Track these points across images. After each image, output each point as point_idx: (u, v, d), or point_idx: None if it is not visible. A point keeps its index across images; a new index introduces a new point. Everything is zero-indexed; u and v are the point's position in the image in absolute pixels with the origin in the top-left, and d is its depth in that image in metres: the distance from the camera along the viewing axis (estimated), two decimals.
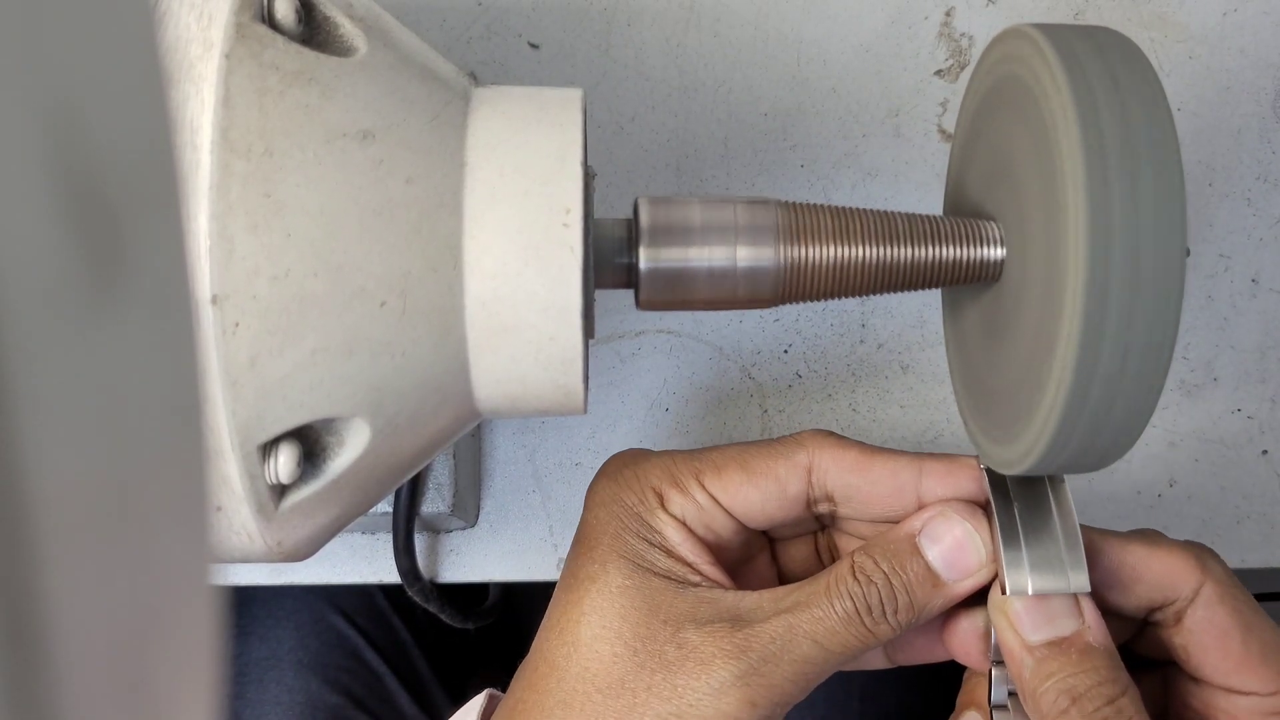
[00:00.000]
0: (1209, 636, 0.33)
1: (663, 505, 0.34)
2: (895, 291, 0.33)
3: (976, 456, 0.34)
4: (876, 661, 0.37)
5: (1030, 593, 0.32)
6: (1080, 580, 0.32)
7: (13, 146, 0.10)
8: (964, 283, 0.33)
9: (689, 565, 0.34)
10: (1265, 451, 0.49)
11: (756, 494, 0.34)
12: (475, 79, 0.32)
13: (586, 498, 0.36)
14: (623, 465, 0.35)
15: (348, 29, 0.29)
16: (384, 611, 0.63)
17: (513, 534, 0.49)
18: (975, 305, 0.35)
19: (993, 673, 0.34)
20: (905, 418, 0.49)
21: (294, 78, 0.27)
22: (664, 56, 0.49)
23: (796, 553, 0.38)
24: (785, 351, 0.49)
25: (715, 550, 0.35)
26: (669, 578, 0.33)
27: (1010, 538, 0.32)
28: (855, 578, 0.32)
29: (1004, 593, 0.32)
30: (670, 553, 0.34)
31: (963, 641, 0.34)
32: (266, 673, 0.59)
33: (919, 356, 0.49)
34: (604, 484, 0.35)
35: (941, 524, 0.33)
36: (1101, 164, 0.27)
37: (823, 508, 0.35)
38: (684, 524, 0.34)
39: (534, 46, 0.49)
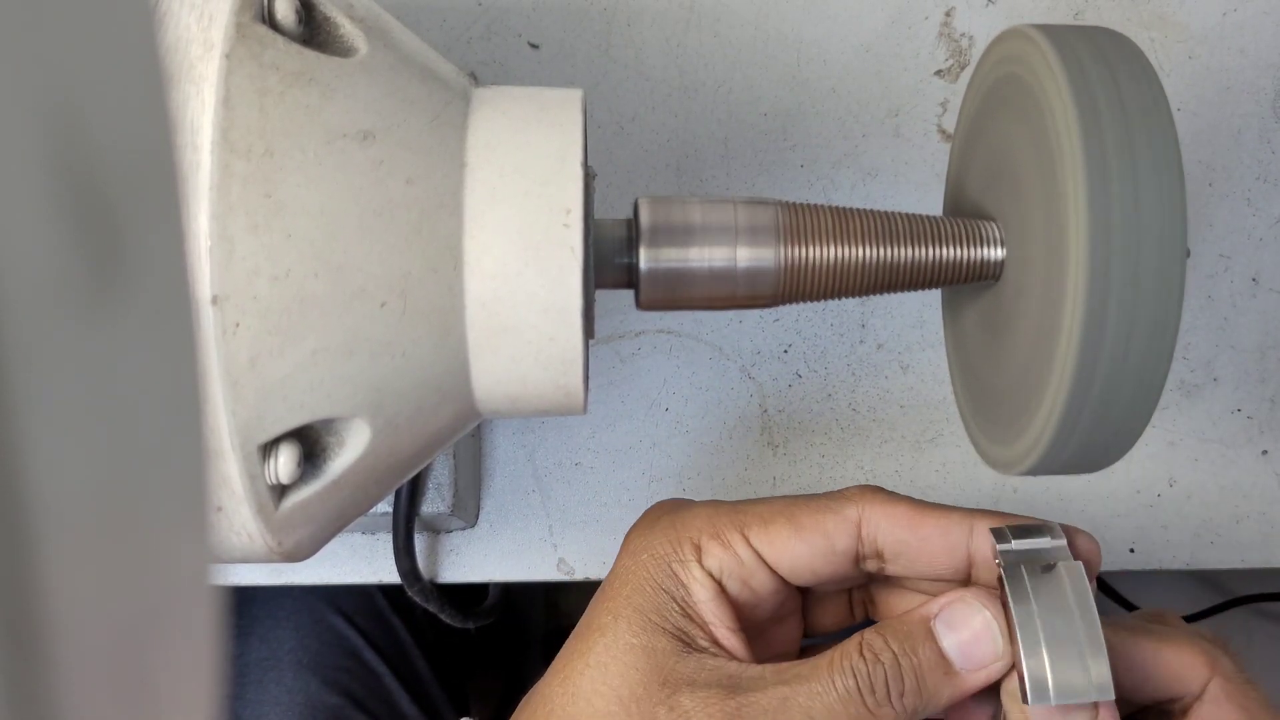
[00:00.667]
0: None
1: (698, 559, 0.33)
2: (895, 291, 0.33)
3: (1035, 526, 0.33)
4: None
5: (1053, 701, 0.30)
6: (1104, 686, 0.31)
7: (13, 146, 0.10)
8: (964, 283, 0.33)
9: (704, 627, 0.33)
10: (1265, 451, 0.49)
11: (805, 549, 0.33)
12: (475, 79, 0.32)
13: (623, 542, 0.35)
14: (663, 513, 0.35)
15: (348, 29, 0.29)
16: (383, 612, 0.63)
17: (512, 534, 0.49)
18: (975, 305, 0.35)
19: None
20: (905, 418, 0.49)
21: (294, 78, 0.27)
22: (664, 56, 0.49)
23: (830, 608, 0.38)
24: (785, 351, 0.49)
25: (747, 608, 0.34)
26: (679, 639, 0.33)
27: (1030, 636, 0.31)
28: (862, 655, 0.31)
29: (1024, 696, 0.31)
30: (688, 611, 0.33)
31: None
32: (266, 673, 0.59)
33: (919, 356, 0.49)
34: (641, 531, 0.35)
35: (961, 610, 0.32)
36: (1101, 164, 0.27)
37: (871, 565, 0.34)
38: (717, 580, 0.33)
39: (534, 46, 0.49)
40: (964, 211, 0.35)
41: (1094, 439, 0.29)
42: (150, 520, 0.12)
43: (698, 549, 0.33)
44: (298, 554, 0.30)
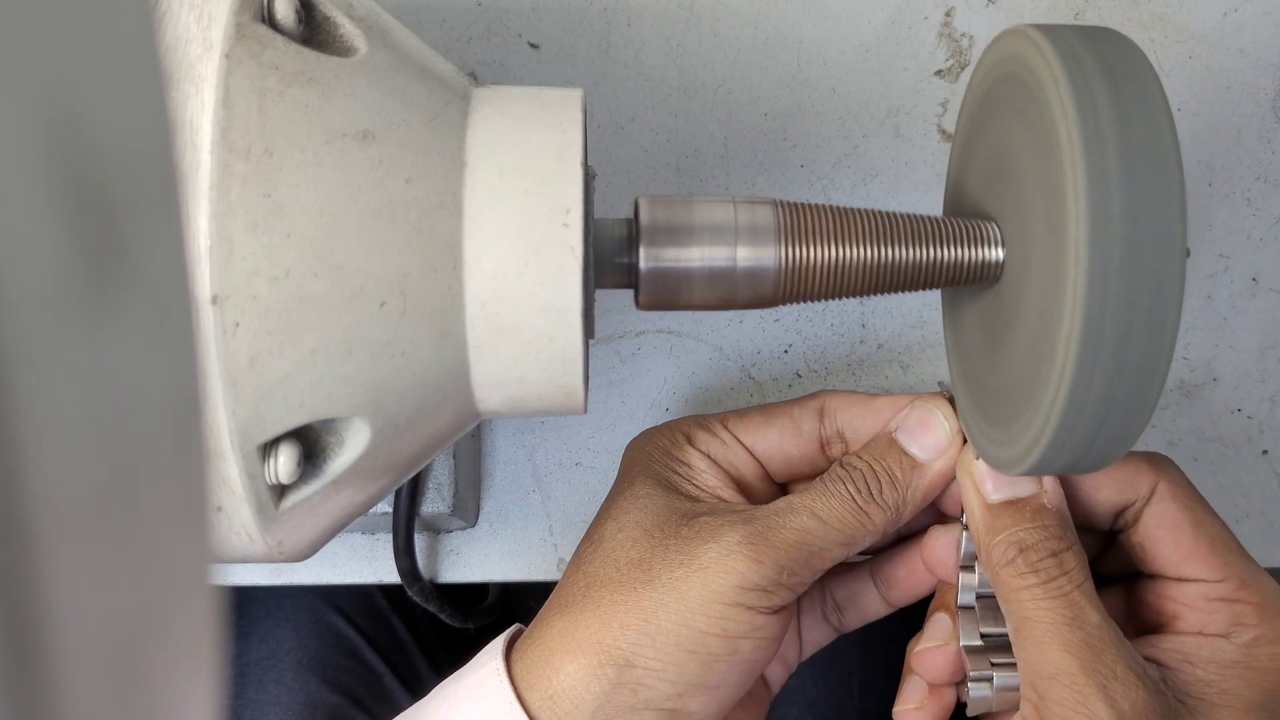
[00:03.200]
0: (1162, 530, 0.35)
1: (690, 442, 0.38)
2: (895, 292, 0.33)
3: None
4: (875, 608, 0.40)
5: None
6: None
7: (13, 146, 0.10)
8: (964, 283, 0.33)
9: (709, 491, 0.37)
10: (1265, 451, 0.49)
11: (775, 432, 0.38)
12: (475, 79, 0.32)
13: (625, 450, 0.40)
14: (655, 426, 0.40)
15: (348, 29, 0.29)
16: (383, 611, 0.63)
17: (513, 534, 0.48)
18: (975, 306, 0.35)
19: (960, 577, 0.37)
20: None
21: (294, 78, 0.27)
22: (664, 56, 0.49)
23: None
24: (785, 351, 0.49)
25: (737, 484, 0.38)
26: (690, 497, 0.37)
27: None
28: (843, 467, 0.36)
29: (976, 457, 0.35)
30: (693, 480, 0.38)
31: (936, 552, 0.38)
32: (266, 673, 0.59)
33: (919, 356, 0.49)
34: (639, 435, 0.39)
35: (911, 414, 0.37)
36: (1101, 164, 0.27)
37: (835, 449, 0.38)
38: (709, 457, 0.38)
39: (534, 46, 0.49)
40: (964, 212, 0.35)
41: (1094, 439, 0.29)
42: (150, 520, 0.12)
43: (688, 436, 0.38)
44: (298, 554, 0.30)
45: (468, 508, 0.47)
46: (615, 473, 0.48)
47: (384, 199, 0.27)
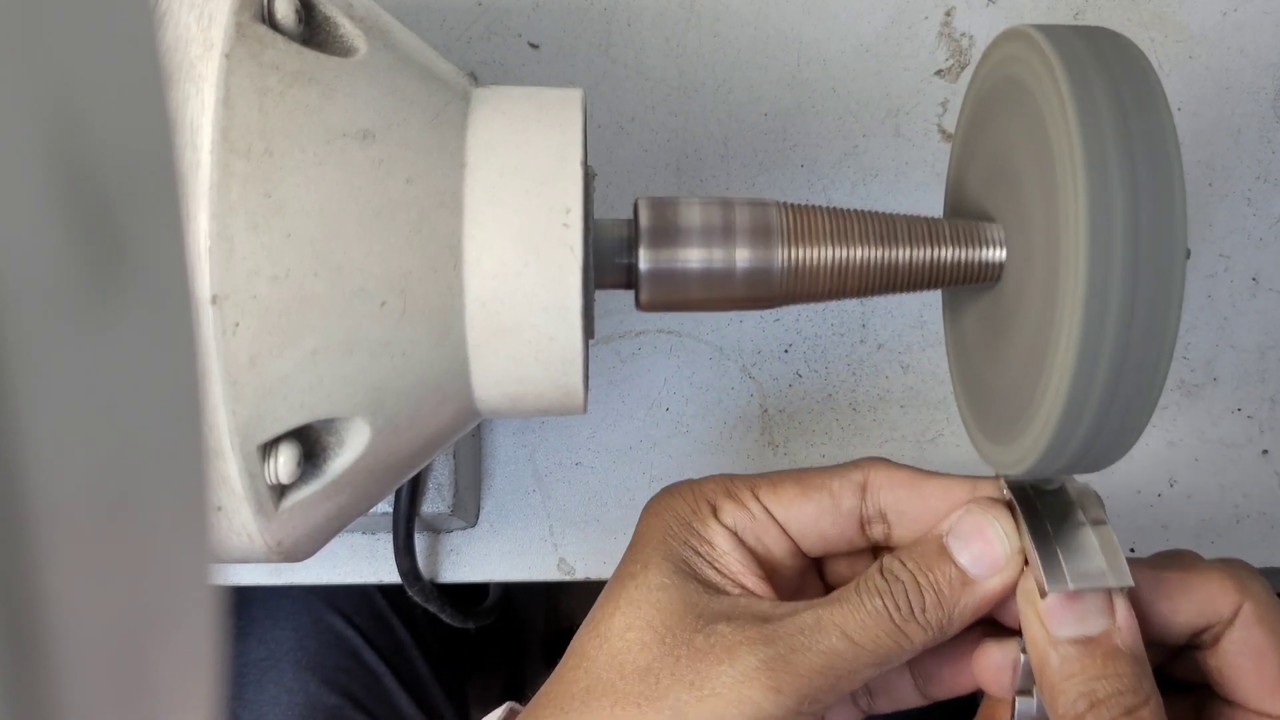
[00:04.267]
0: (1245, 658, 0.32)
1: (715, 514, 0.34)
2: (895, 293, 0.33)
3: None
4: (909, 697, 0.36)
5: (1070, 586, 0.30)
6: (1122, 574, 0.30)
7: (13, 146, 0.10)
8: (964, 284, 0.33)
9: (731, 577, 0.34)
10: (1265, 451, 0.49)
11: (812, 508, 0.34)
12: (475, 79, 0.32)
13: (641, 512, 0.36)
14: (679, 483, 0.36)
15: (348, 29, 0.29)
16: (383, 612, 0.63)
17: (513, 534, 0.48)
18: (975, 306, 0.35)
19: (1018, 704, 0.33)
20: (905, 418, 0.49)
21: (294, 78, 0.27)
22: (664, 56, 0.49)
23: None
24: (785, 351, 0.49)
25: (764, 566, 0.34)
26: (708, 586, 0.33)
27: (1041, 536, 0.31)
28: (883, 576, 0.32)
29: (1041, 590, 0.31)
30: (714, 563, 0.34)
31: (990, 671, 0.34)
32: (265, 673, 0.59)
33: (919, 356, 0.49)
34: (659, 496, 0.35)
35: (969, 521, 0.33)
36: (1101, 165, 0.27)
37: (877, 530, 0.35)
38: (734, 534, 0.34)
39: (534, 46, 0.49)
40: (964, 212, 0.35)
41: (1094, 439, 0.29)
42: (150, 520, 0.12)
43: (713, 507, 0.34)
44: (298, 554, 0.30)
45: (468, 508, 0.47)
46: (615, 473, 0.48)
47: (384, 199, 0.27)
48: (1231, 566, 0.33)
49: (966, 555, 0.32)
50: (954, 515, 0.33)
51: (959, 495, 0.33)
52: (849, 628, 0.31)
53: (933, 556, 0.32)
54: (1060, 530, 0.32)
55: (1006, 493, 0.33)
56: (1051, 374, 0.28)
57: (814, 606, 0.32)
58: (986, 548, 0.32)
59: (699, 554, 0.34)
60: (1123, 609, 0.31)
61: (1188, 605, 0.32)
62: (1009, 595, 0.32)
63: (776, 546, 0.34)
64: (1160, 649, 0.34)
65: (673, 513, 0.34)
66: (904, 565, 0.32)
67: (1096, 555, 0.31)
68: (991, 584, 0.32)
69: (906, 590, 0.32)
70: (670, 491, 0.35)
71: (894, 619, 0.31)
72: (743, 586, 0.33)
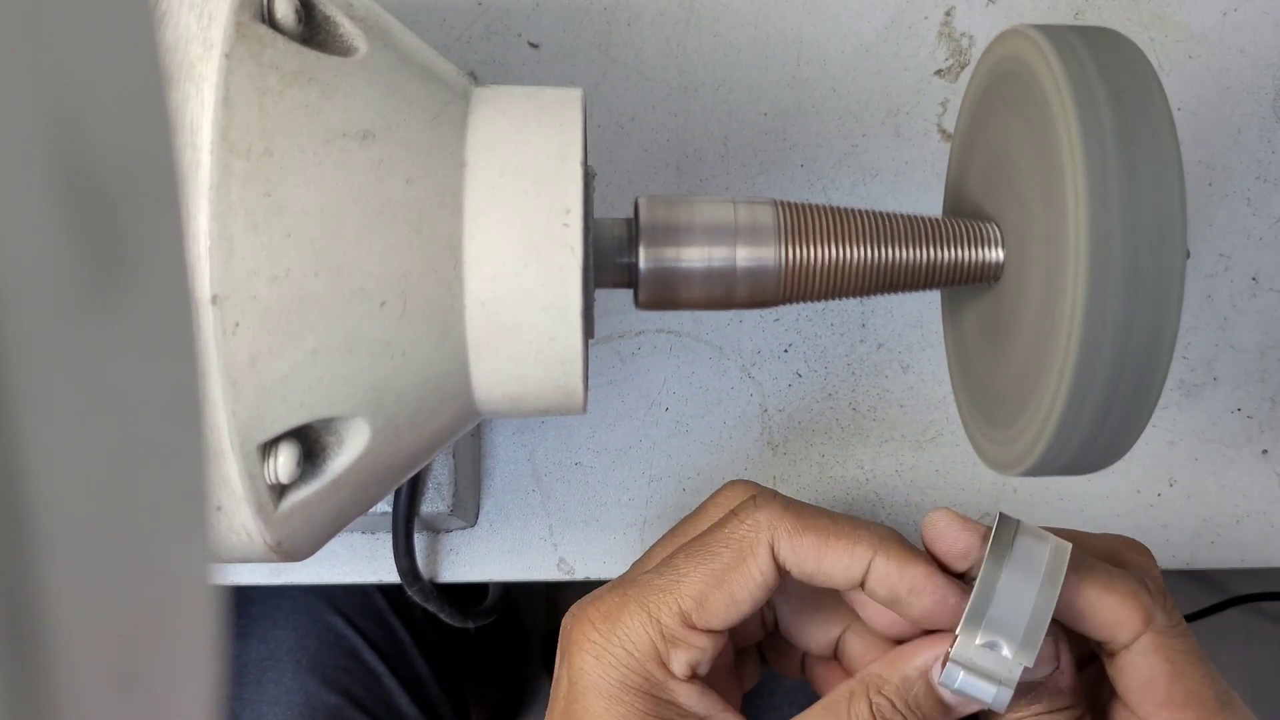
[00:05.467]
0: (1135, 680, 0.35)
1: (669, 675, 0.34)
2: (895, 292, 0.33)
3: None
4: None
5: (954, 689, 0.33)
6: (1002, 702, 0.33)
7: (13, 146, 0.10)
8: (964, 283, 0.33)
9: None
10: (1265, 451, 0.49)
11: (746, 605, 0.34)
12: (475, 79, 0.32)
13: (570, 674, 0.35)
14: (600, 638, 0.35)
15: (348, 29, 0.29)
16: (382, 611, 0.63)
17: (512, 533, 0.48)
18: (975, 306, 0.35)
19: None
20: (905, 418, 0.49)
21: (294, 78, 0.27)
22: (664, 56, 0.49)
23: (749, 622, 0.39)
24: (785, 351, 0.49)
25: (715, 675, 0.36)
26: None
27: (970, 628, 0.33)
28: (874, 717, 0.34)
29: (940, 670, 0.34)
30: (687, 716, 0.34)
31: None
32: (265, 673, 0.59)
33: (919, 356, 0.49)
34: (590, 666, 0.35)
35: (932, 647, 0.34)
36: (1101, 164, 0.27)
37: (812, 600, 0.37)
38: (693, 678, 0.35)
39: (534, 46, 0.49)
40: (964, 212, 0.35)
41: (1094, 439, 0.29)
42: (150, 520, 0.12)
43: (663, 665, 0.34)
44: (297, 554, 0.30)
45: (467, 507, 0.47)
46: (615, 473, 0.48)
47: (384, 199, 0.27)
48: (1144, 595, 0.35)
49: (952, 695, 0.34)
50: (935, 650, 0.34)
51: (863, 552, 0.34)
52: None
53: (923, 695, 0.34)
54: (1011, 581, 0.33)
55: (993, 527, 0.34)
56: (1051, 374, 0.28)
57: None
58: (973, 689, 0.34)
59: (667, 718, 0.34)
60: (1065, 656, 0.35)
61: (1094, 620, 0.34)
62: None
63: (717, 646, 0.35)
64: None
65: (622, 684, 0.34)
66: (896, 709, 0.34)
67: (1019, 630, 0.33)
68: (965, 711, 0.35)
69: None
70: (600, 659, 0.34)
71: None
72: None
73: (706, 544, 0.35)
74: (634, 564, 0.39)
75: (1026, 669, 0.33)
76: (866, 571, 0.34)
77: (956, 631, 0.33)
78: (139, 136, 0.12)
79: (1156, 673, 0.34)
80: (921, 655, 0.35)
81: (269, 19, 0.27)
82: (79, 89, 0.11)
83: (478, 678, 0.91)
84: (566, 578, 0.48)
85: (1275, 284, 0.49)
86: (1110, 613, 0.34)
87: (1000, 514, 0.34)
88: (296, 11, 0.28)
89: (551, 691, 0.37)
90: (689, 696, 0.34)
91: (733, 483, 0.39)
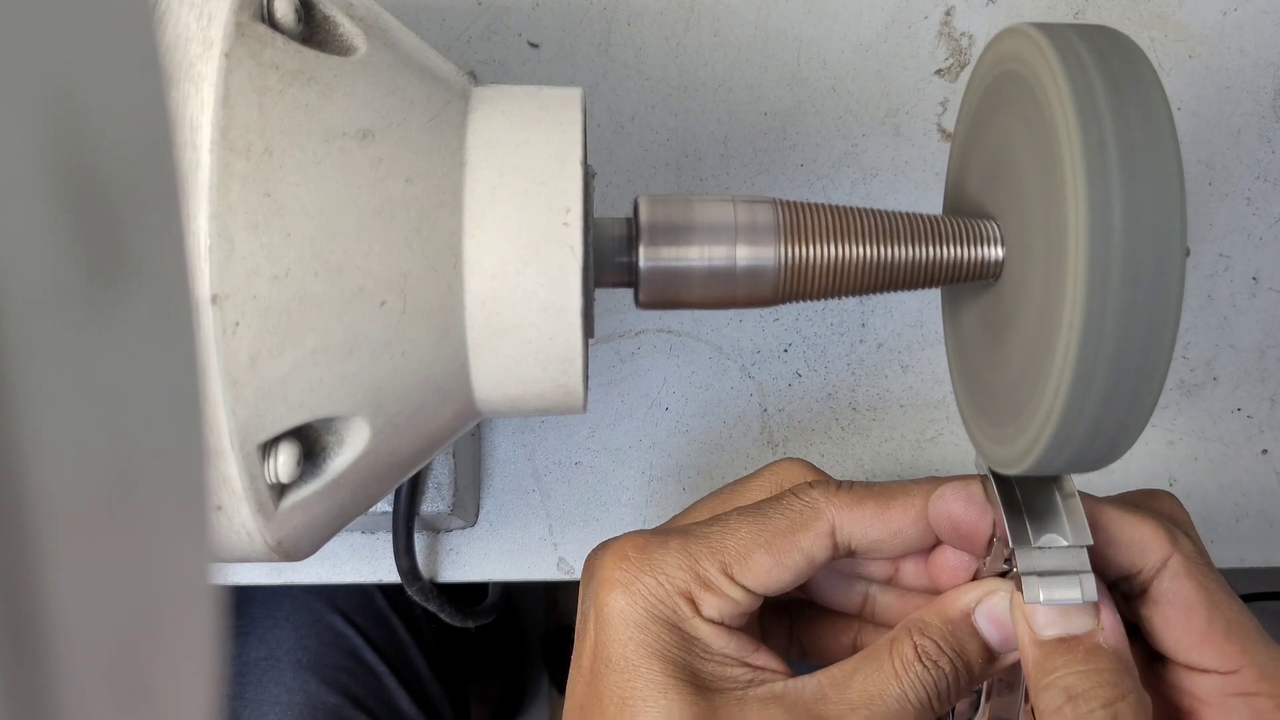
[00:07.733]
0: (1174, 610, 0.33)
1: (698, 612, 0.33)
2: (895, 291, 0.33)
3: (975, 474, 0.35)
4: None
5: (1042, 602, 0.32)
6: (1090, 588, 0.32)
7: (13, 145, 0.10)
8: (963, 282, 0.33)
9: (739, 662, 0.34)
10: (1264, 451, 0.49)
11: (790, 574, 0.34)
12: (475, 78, 0.32)
13: (598, 606, 0.34)
14: (632, 567, 0.34)
15: (347, 28, 0.29)
16: (382, 611, 0.63)
17: (512, 533, 0.48)
18: (975, 305, 0.35)
19: (991, 706, 0.35)
20: (905, 418, 0.49)
21: (293, 77, 0.27)
22: (664, 56, 0.49)
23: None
24: (785, 351, 0.49)
25: (751, 629, 0.35)
26: (728, 687, 0.33)
27: (1022, 542, 0.32)
28: (923, 664, 0.32)
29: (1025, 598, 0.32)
30: (712, 658, 0.33)
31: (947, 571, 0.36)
32: (265, 673, 0.59)
33: (919, 356, 0.49)
34: (618, 595, 0.34)
35: (995, 603, 0.33)
36: (1101, 163, 0.27)
37: (843, 563, 0.36)
38: (722, 624, 0.34)
39: (534, 46, 0.49)
40: (964, 211, 0.35)
41: (1094, 438, 0.29)
42: (150, 520, 0.12)
43: (692, 603, 0.33)
44: (297, 553, 0.30)
45: (467, 507, 0.47)
46: (615, 472, 0.48)
47: (384, 198, 0.27)
48: (1164, 522, 0.33)
49: (995, 636, 0.33)
50: (979, 589, 0.34)
51: (920, 507, 0.34)
52: (889, 700, 0.32)
53: (965, 637, 0.33)
54: (1039, 526, 0.33)
55: (984, 469, 0.34)
56: (1051, 373, 0.28)
57: (858, 707, 0.32)
58: (1010, 630, 0.33)
59: (693, 655, 0.33)
60: (1107, 611, 0.32)
61: (1121, 546, 0.33)
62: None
63: (754, 607, 0.34)
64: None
65: (649, 613, 0.33)
66: (942, 650, 0.33)
67: (1061, 521, 0.32)
68: (1010, 659, 0.33)
69: (948, 677, 0.32)
70: (629, 588, 0.34)
71: (934, 705, 0.32)
72: (750, 665, 0.33)
73: (764, 509, 0.35)
74: (669, 520, 0.38)
75: (1089, 549, 0.32)
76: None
77: (1010, 547, 0.32)
78: (139, 136, 0.12)
79: (1193, 600, 0.32)
80: (965, 597, 0.34)
81: (269, 18, 0.27)
82: (79, 88, 0.11)
83: (478, 677, 0.91)
84: (566, 577, 0.48)
85: (1275, 284, 0.49)
86: (1134, 530, 0.33)
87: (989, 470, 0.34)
88: (296, 11, 0.28)
89: (577, 626, 0.36)
90: (716, 637, 0.33)
91: (789, 459, 0.38)
